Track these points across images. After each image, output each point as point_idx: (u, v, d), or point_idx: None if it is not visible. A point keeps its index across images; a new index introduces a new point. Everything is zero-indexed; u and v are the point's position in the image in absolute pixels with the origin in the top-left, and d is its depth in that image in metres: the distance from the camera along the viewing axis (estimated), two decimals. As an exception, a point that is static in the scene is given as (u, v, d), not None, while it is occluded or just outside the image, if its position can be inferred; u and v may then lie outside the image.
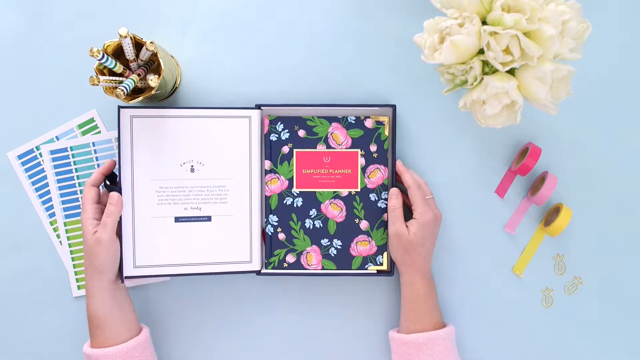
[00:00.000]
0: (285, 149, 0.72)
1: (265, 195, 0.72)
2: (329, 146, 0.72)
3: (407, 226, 0.68)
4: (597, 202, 0.74)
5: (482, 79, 0.59)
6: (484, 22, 0.58)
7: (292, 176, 0.72)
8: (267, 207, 0.72)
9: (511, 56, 0.56)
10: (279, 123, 0.72)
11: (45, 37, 0.74)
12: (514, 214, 0.74)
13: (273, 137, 0.72)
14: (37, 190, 0.74)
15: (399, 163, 0.71)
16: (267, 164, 0.72)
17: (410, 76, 0.74)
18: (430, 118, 0.74)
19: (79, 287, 0.74)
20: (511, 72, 0.59)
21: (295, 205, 0.72)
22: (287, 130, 0.71)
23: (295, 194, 0.72)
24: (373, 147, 0.72)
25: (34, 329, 0.75)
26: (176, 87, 0.74)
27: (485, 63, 0.59)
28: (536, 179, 0.74)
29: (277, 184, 0.72)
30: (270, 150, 0.72)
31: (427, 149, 0.74)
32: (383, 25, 0.74)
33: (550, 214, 0.73)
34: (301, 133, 0.72)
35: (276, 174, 0.72)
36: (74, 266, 0.74)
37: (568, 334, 0.75)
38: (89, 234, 0.66)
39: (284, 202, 0.72)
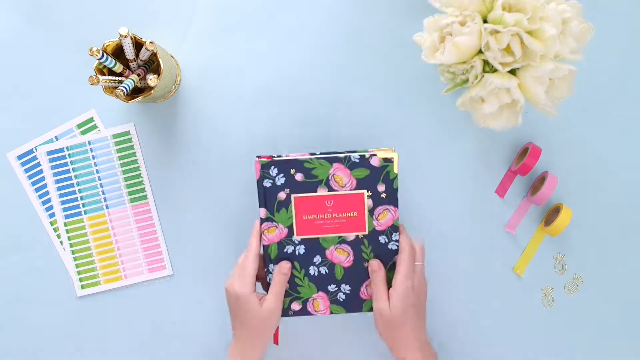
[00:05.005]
0: (282, 195, 0.65)
1: (264, 245, 0.66)
2: (331, 189, 0.65)
3: (390, 299, 0.63)
4: (597, 202, 0.74)
5: (483, 77, 0.59)
6: (484, 22, 0.57)
7: (292, 223, 0.65)
8: (267, 257, 0.66)
9: (512, 57, 0.56)
10: (273, 167, 0.64)
11: (45, 37, 0.73)
12: (514, 214, 0.74)
13: (267, 183, 0.64)
14: (37, 190, 0.74)
15: (401, 227, 0.67)
16: (263, 212, 0.65)
17: (410, 76, 0.74)
18: (430, 118, 0.74)
19: (82, 287, 0.74)
20: (512, 72, 0.59)
21: (297, 253, 0.66)
22: (282, 175, 0.64)
23: (297, 242, 0.66)
24: (381, 187, 0.65)
25: (35, 329, 0.75)
26: (176, 87, 0.73)
27: (486, 62, 0.59)
28: (536, 179, 0.74)
29: (275, 233, 0.65)
30: (265, 197, 0.65)
31: (426, 149, 0.74)
32: (383, 25, 0.74)
33: (550, 214, 0.73)
34: (298, 177, 0.64)
35: (274, 222, 0.65)
36: (76, 266, 0.74)
37: (568, 333, 0.75)
38: (255, 304, 0.63)
39: (285, 250, 0.66)
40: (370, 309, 0.67)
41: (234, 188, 0.74)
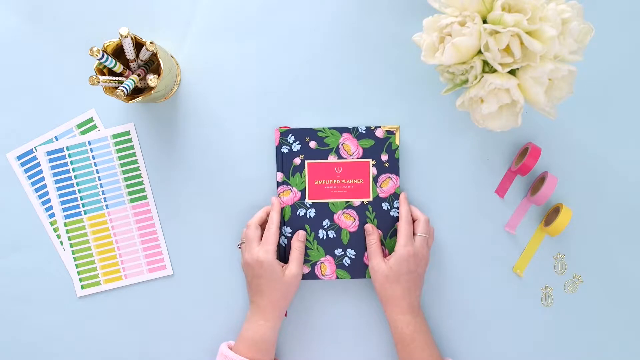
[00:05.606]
0: (297, 161, 0.72)
1: None
2: (340, 157, 0.72)
3: (387, 260, 0.69)
4: (597, 202, 0.74)
5: (482, 77, 0.59)
6: (484, 22, 0.57)
7: (305, 187, 0.72)
8: (281, 219, 0.72)
9: (512, 57, 0.56)
10: (290, 135, 0.72)
11: (45, 37, 0.73)
12: (514, 214, 0.74)
13: (284, 149, 0.72)
14: (36, 190, 0.74)
15: (402, 196, 0.71)
16: (279, 176, 0.72)
17: (409, 76, 0.74)
18: (429, 118, 0.74)
19: (82, 287, 0.74)
20: (512, 73, 0.59)
21: (308, 216, 0.72)
22: (298, 142, 0.72)
23: (308, 205, 0.72)
24: (384, 157, 0.72)
25: (35, 329, 0.75)
26: (176, 87, 0.73)
27: (486, 63, 0.59)
28: (536, 179, 0.74)
29: (289, 196, 0.72)
30: (282, 162, 0.72)
31: (427, 149, 0.74)
32: (383, 25, 0.74)
33: (550, 214, 0.73)
34: (312, 144, 0.72)
35: (288, 186, 0.72)
36: (76, 266, 0.74)
37: (568, 332, 0.75)
38: (279, 270, 0.68)
39: (297, 213, 0.72)
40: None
41: (234, 188, 0.74)
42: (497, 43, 0.55)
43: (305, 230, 0.72)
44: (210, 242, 0.75)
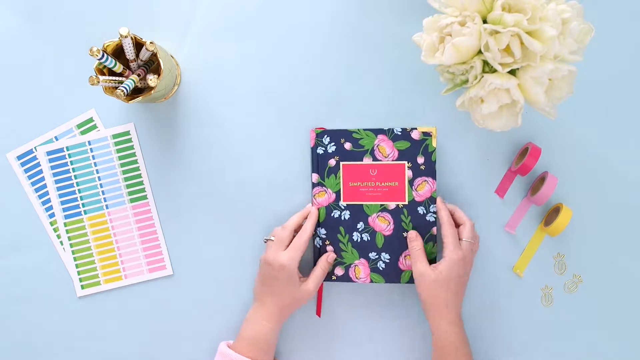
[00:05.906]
0: (332, 162, 0.71)
1: None
2: (375, 158, 0.71)
3: (436, 266, 0.66)
4: (597, 202, 0.74)
5: (482, 77, 0.59)
6: (484, 22, 0.57)
7: (339, 189, 0.72)
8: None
9: (512, 57, 0.56)
10: (325, 136, 0.71)
11: (45, 37, 0.73)
12: (514, 214, 0.74)
13: (320, 150, 0.72)
14: (36, 190, 0.74)
15: (439, 200, 0.70)
16: (315, 177, 0.72)
17: (409, 76, 0.74)
18: (429, 118, 0.74)
19: (82, 287, 0.74)
20: (512, 73, 0.59)
21: (342, 218, 0.72)
22: (333, 143, 0.71)
23: (343, 207, 0.72)
24: (420, 159, 0.71)
25: (35, 329, 0.75)
26: (176, 87, 0.73)
27: (486, 63, 0.59)
28: (536, 179, 0.74)
29: (324, 197, 0.72)
30: (318, 163, 0.72)
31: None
32: (383, 25, 0.74)
33: (550, 214, 0.73)
34: (347, 146, 0.71)
35: (323, 187, 0.72)
36: (76, 266, 0.74)
37: (568, 332, 0.75)
38: (296, 280, 0.68)
39: (332, 214, 0.72)
40: (408, 281, 0.71)
41: (234, 188, 0.74)
42: (497, 43, 0.55)
43: (339, 232, 0.71)
44: (210, 242, 0.75)
